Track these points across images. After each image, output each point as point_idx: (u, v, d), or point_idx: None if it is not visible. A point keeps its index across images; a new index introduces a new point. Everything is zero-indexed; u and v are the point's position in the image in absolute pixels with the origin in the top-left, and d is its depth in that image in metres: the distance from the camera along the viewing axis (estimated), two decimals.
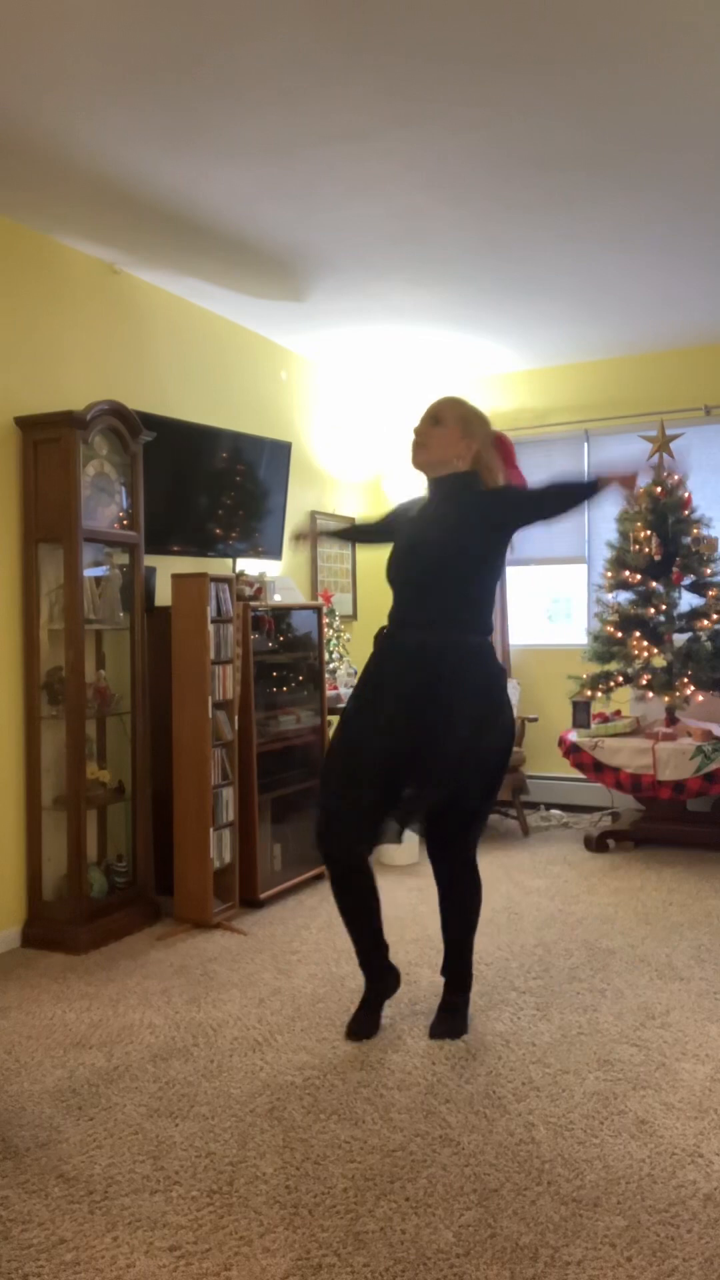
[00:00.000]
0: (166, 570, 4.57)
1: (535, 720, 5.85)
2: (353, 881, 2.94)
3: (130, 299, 4.52)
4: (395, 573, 2.96)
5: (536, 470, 6.37)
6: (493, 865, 4.78)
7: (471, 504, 2.85)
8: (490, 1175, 2.20)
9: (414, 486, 6.51)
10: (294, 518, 5.78)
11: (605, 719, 5.38)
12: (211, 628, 4.01)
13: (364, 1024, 2.97)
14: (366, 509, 6.70)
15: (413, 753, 2.78)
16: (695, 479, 5.72)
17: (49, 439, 3.79)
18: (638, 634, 5.17)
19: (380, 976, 3.03)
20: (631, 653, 5.16)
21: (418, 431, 2.91)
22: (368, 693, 2.91)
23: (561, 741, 5.27)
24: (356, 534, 3.69)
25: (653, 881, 4.57)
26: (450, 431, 2.88)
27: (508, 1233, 2.00)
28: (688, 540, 5.16)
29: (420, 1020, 3.03)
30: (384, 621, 2.97)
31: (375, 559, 6.77)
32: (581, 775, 5.65)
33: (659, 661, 5.20)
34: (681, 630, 5.21)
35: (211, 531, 4.84)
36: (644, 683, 5.15)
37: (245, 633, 4.25)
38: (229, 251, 4.27)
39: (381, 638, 2.97)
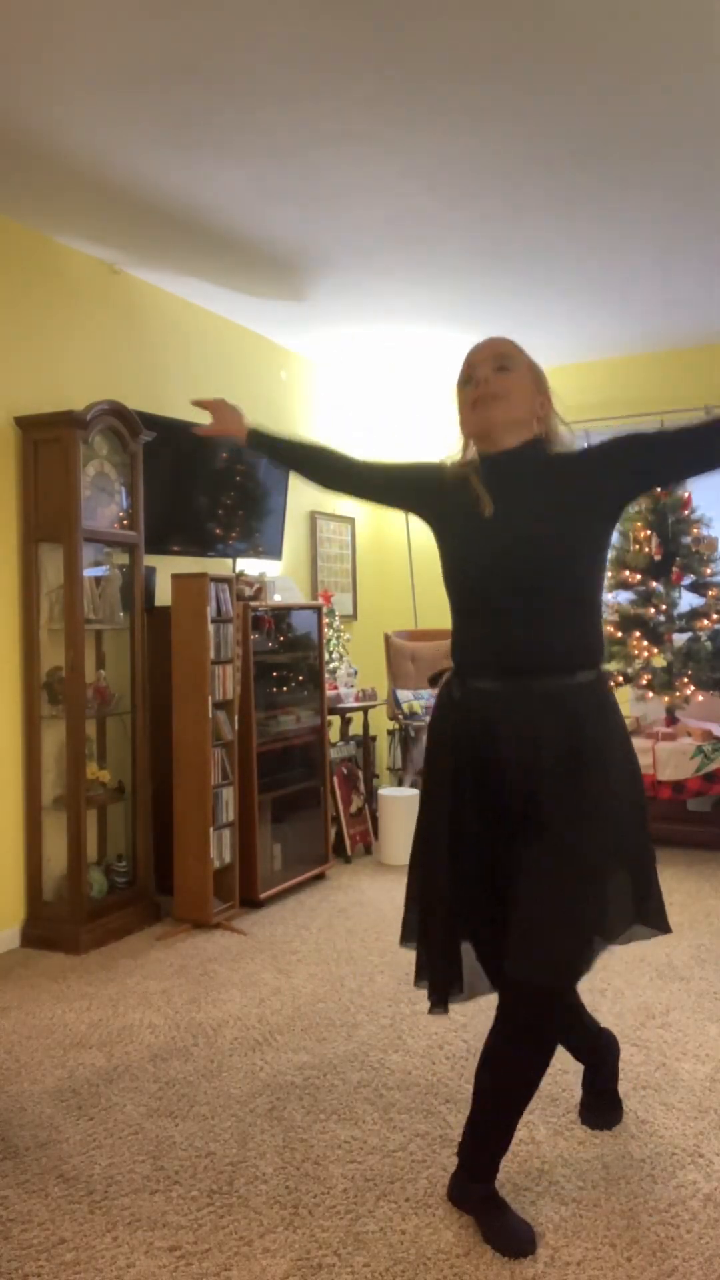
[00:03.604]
0: (166, 570, 4.57)
1: None
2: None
3: (130, 299, 4.52)
4: (481, 586, 2.00)
5: None
6: None
7: (585, 470, 2.02)
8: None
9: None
10: (294, 518, 5.78)
11: None
12: (211, 628, 4.01)
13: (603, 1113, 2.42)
14: (366, 509, 6.70)
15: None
16: (695, 479, 5.72)
17: (49, 439, 3.79)
18: (638, 634, 5.17)
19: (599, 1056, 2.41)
20: (631, 653, 5.16)
21: (486, 380, 2.02)
22: (460, 785, 1.99)
23: None
24: (315, 464, 2.43)
25: None
26: (526, 381, 2.06)
27: None
28: (688, 540, 5.17)
29: (420, 1020, 3.03)
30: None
31: (375, 560, 6.78)
32: None
33: (659, 661, 5.20)
34: (681, 630, 5.21)
35: (211, 531, 4.84)
36: (644, 683, 5.15)
37: (245, 633, 4.25)
38: (229, 252, 4.27)
39: (463, 694, 2.02)
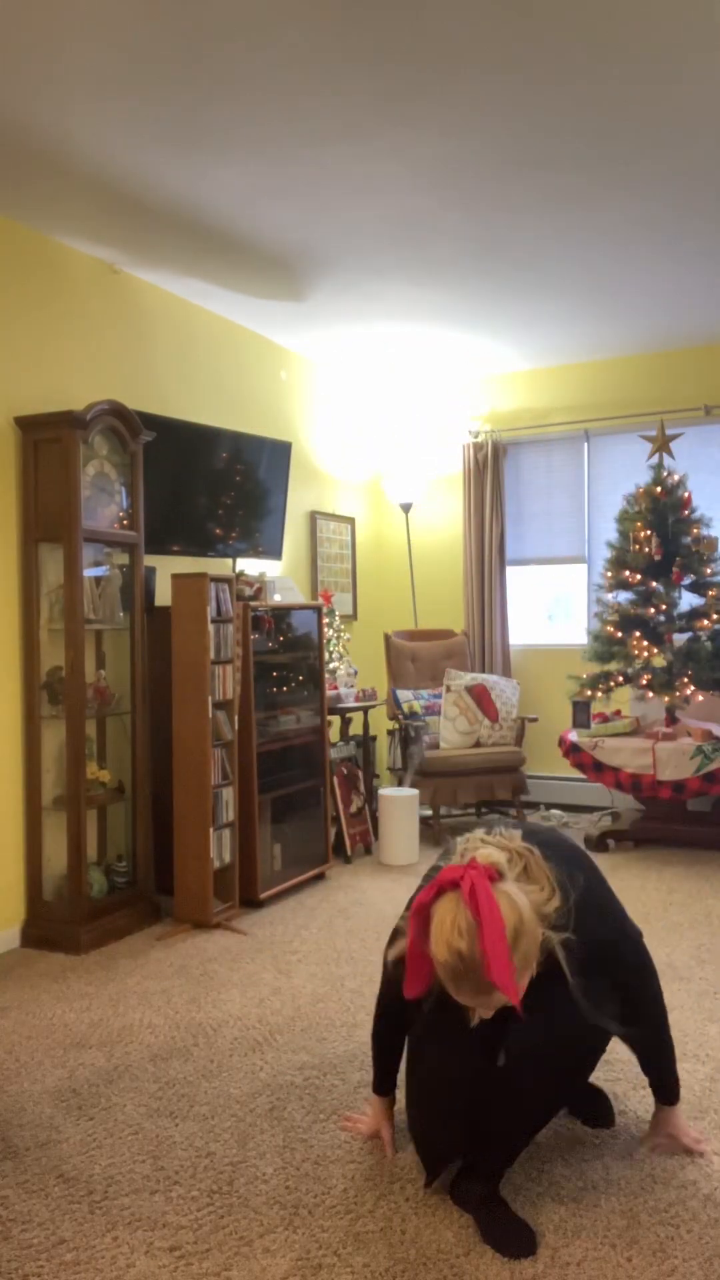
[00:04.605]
0: (166, 570, 4.57)
1: (535, 720, 5.85)
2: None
3: (130, 299, 4.52)
4: None
5: (537, 472, 6.39)
6: None
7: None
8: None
9: (414, 490, 6.53)
10: (294, 518, 5.78)
11: (605, 719, 5.38)
12: (211, 628, 4.01)
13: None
14: (366, 509, 6.70)
15: None
16: (695, 479, 5.73)
17: (49, 439, 3.79)
18: (638, 634, 5.17)
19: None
20: (631, 653, 5.16)
21: (486, 1015, 1.93)
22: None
23: (561, 741, 5.27)
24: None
25: (653, 881, 4.57)
26: (511, 988, 1.81)
27: None
28: (688, 540, 5.17)
29: None
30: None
31: (375, 560, 6.78)
32: (581, 775, 5.66)
33: (659, 661, 5.20)
34: (681, 630, 5.21)
35: (211, 531, 4.84)
36: (644, 683, 5.15)
37: (245, 633, 4.25)
38: (229, 252, 4.27)
39: None
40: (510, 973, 1.81)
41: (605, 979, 2.09)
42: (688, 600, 5.27)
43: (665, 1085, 2.26)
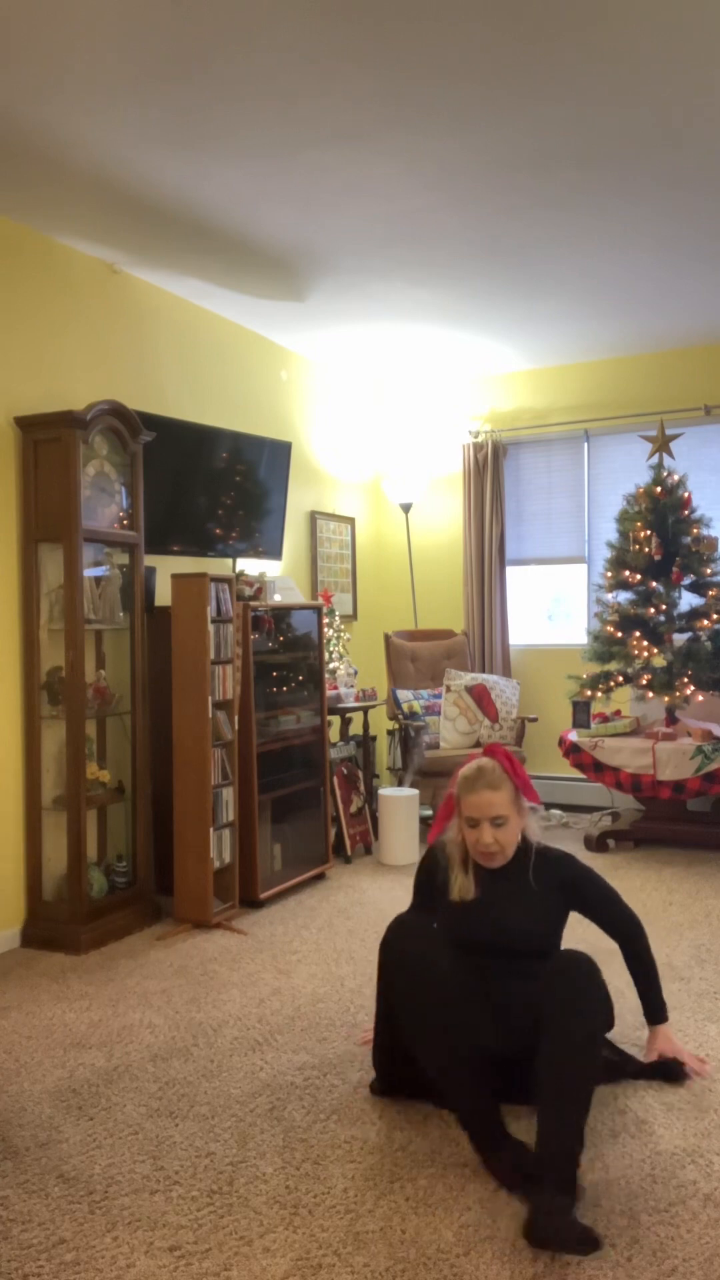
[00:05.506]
0: (166, 570, 4.57)
1: (535, 720, 5.85)
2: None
3: (130, 299, 4.52)
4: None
5: (537, 472, 6.39)
6: None
7: (547, 885, 2.60)
8: (490, 1175, 2.20)
9: (414, 490, 6.52)
10: (294, 518, 5.78)
11: (605, 719, 5.38)
12: (211, 628, 4.01)
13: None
14: (366, 509, 6.71)
15: None
16: (695, 479, 5.73)
17: (49, 439, 3.79)
18: (638, 634, 5.17)
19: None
20: (631, 653, 5.16)
21: (490, 842, 2.54)
22: None
23: (561, 741, 5.27)
24: None
25: (653, 881, 4.57)
26: (516, 822, 2.59)
27: (507, 1233, 2.00)
28: (688, 540, 5.16)
29: None
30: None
31: (375, 560, 6.79)
32: (581, 775, 5.66)
33: (659, 661, 5.20)
34: (681, 630, 5.21)
35: (211, 531, 4.84)
36: (644, 683, 5.15)
37: (245, 633, 4.25)
38: (229, 252, 4.27)
39: None
40: (525, 775, 2.59)
41: (563, 900, 2.60)
42: (688, 600, 5.27)
43: (651, 1003, 2.65)
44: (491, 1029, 2.42)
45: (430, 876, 2.71)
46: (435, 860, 2.72)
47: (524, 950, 2.53)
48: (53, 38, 2.70)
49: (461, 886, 2.60)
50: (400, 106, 3.10)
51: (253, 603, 4.36)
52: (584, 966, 2.31)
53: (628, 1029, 2.95)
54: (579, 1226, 1.91)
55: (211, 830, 4.02)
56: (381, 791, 5.06)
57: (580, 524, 6.28)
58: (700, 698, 5.10)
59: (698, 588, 5.21)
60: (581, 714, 5.37)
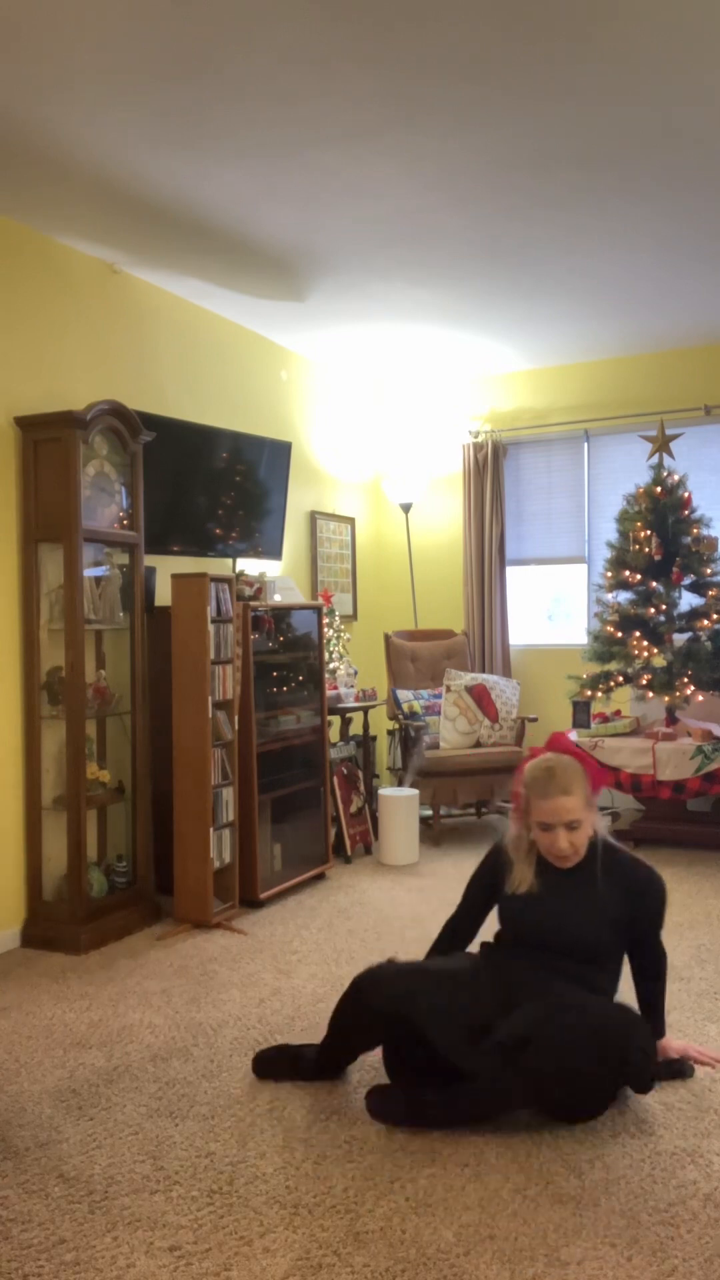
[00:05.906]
0: (166, 570, 4.57)
1: (535, 720, 5.85)
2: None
3: (130, 299, 4.52)
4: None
5: (537, 472, 6.39)
6: None
7: (614, 894, 2.59)
8: (490, 1175, 2.20)
9: (415, 490, 6.52)
10: (294, 518, 5.78)
11: (605, 719, 5.38)
12: (211, 628, 4.01)
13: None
14: (366, 509, 6.70)
15: None
16: (695, 479, 5.73)
17: (49, 439, 3.79)
18: (638, 634, 5.17)
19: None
20: (631, 653, 5.16)
21: (565, 846, 2.53)
22: None
23: None
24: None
25: None
26: (588, 825, 2.57)
27: (507, 1233, 2.00)
28: (688, 540, 5.17)
29: None
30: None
31: (375, 560, 6.79)
32: None
33: (659, 661, 5.20)
34: (681, 630, 5.21)
35: (211, 531, 4.84)
36: (644, 683, 5.15)
37: (245, 633, 4.25)
38: (229, 252, 4.27)
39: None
40: (594, 764, 2.57)
41: (627, 907, 2.56)
42: (688, 600, 5.27)
43: (654, 1022, 2.64)
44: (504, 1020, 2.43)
45: (492, 878, 2.70)
46: (498, 860, 2.70)
47: (575, 953, 2.53)
48: (53, 38, 2.70)
49: (521, 878, 2.59)
50: (400, 106, 3.10)
51: (253, 603, 4.36)
52: (615, 1040, 2.35)
53: None
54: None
55: (211, 830, 4.02)
56: (381, 791, 5.06)
57: (580, 524, 6.28)
58: (700, 698, 5.10)
59: (698, 588, 5.21)
60: (581, 714, 5.37)
